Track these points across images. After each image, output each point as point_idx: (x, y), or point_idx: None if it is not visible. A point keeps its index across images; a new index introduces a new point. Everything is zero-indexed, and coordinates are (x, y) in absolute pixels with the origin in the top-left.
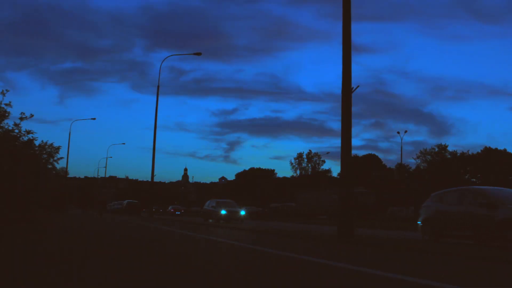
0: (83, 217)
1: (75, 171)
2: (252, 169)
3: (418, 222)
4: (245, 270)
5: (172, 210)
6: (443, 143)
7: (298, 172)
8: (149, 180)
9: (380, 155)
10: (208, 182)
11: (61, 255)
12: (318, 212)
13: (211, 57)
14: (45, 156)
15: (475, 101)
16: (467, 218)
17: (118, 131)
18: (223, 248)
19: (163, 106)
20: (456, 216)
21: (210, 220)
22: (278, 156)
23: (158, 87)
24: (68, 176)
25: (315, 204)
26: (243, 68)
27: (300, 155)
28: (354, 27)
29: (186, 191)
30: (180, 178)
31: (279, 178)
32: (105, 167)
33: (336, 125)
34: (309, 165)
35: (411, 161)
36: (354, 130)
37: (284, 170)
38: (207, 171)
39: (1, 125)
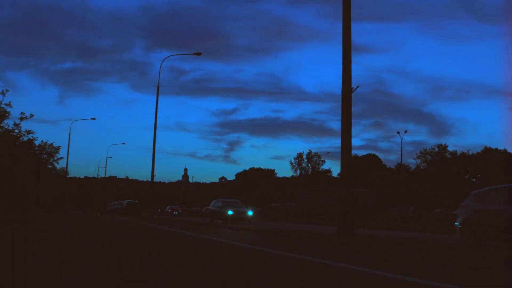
0: (83, 217)
1: (75, 171)
2: (252, 169)
3: (456, 224)
4: (245, 270)
5: (169, 210)
6: (443, 143)
7: (298, 172)
8: (149, 180)
9: (380, 155)
10: (208, 182)
11: (61, 255)
12: (318, 212)
13: (211, 57)
14: (45, 156)
15: (475, 101)
16: None
17: (118, 131)
18: (223, 248)
19: (163, 106)
20: (504, 216)
21: (219, 221)
22: (278, 156)
23: (158, 87)
24: (68, 176)
25: (315, 204)
26: (243, 68)
27: (300, 155)
28: (354, 27)
29: (186, 191)
30: (180, 178)
31: (279, 178)
32: (105, 167)
33: (336, 125)
34: (309, 165)
35: (411, 161)
36: (354, 130)
37: (284, 170)
38: (207, 171)
39: (1, 125)
